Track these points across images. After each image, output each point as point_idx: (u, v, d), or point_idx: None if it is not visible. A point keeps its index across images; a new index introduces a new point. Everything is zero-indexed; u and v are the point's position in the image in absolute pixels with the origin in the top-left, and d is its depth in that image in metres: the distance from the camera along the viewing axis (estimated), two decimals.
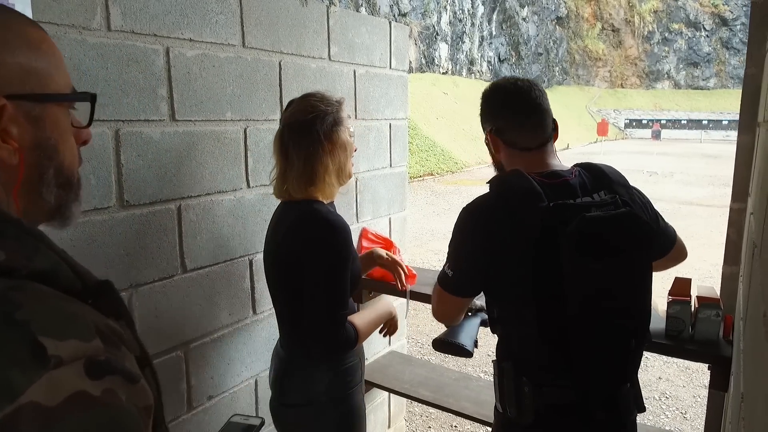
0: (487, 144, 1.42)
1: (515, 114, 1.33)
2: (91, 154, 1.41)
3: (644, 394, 3.82)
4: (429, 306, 1.67)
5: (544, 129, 1.32)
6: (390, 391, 2.41)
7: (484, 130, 1.41)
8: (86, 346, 0.45)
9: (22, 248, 0.50)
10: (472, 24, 37.84)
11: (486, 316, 1.57)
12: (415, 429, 3.28)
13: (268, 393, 1.66)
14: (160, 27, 1.53)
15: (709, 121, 42.72)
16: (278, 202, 1.59)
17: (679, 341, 1.65)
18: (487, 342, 3.86)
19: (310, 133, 1.46)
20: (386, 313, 1.77)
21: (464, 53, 37.03)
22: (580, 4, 49.58)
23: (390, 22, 2.47)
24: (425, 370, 2.51)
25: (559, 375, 1.22)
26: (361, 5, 26.59)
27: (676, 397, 3.77)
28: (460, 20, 36.39)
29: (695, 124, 42.88)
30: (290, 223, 1.48)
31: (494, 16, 40.45)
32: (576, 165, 1.34)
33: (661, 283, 1.40)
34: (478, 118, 1.42)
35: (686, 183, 15.58)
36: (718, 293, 1.78)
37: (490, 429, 2.89)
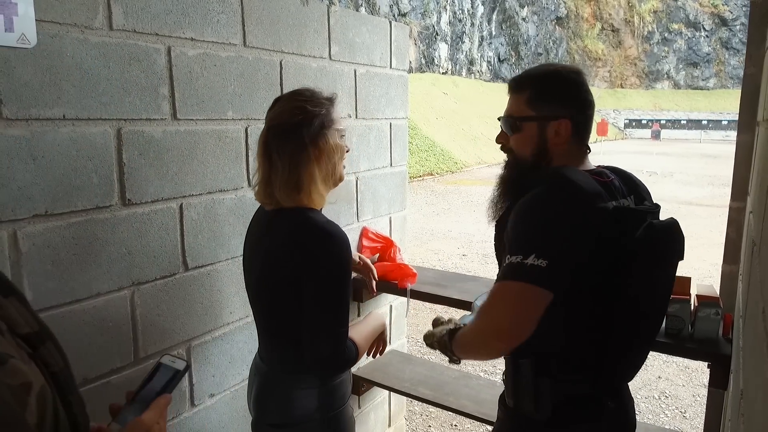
0: (536, 128, 1.27)
1: (592, 109, 1.30)
2: (93, 153, 1.41)
3: (644, 393, 3.86)
4: (430, 305, 1.65)
5: None
6: (390, 389, 2.42)
7: (542, 111, 1.26)
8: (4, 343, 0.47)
9: None
10: (472, 24, 37.85)
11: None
12: (415, 428, 3.29)
13: None
14: (162, 26, 1.54)
15: (708, 121, 42.72)
16: None
17: (679, 340, 1.66)
18: None
19: (295, 139, 1.34)
20: (380, 326, 1.65)
21: (464, 53, 37.03)
22: (580, 5, 49.60)
23: (390, 22, 2.47)
24: (425, 369, 2.52)
25: (578, 369, 1.25)
26: (361, 5, 26.59)
27: (676, 396, 3.78)
28: (460, 20, 36.39)
29: (695, 124, 42.88)
30: (285, 233, 1.37)
31: (494, 16, 40.46)
32: (600, 167, 1.36)
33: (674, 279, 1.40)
34: (523, 94, 1.28)
35: (686, 183, 15.59)
36: (718, 292, 1.79)
37: (490, 428, 2.89)
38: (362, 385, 2.44)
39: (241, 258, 1.89)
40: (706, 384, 3.70)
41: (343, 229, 1.39)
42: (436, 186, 15.80)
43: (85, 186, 1.41)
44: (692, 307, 1.69)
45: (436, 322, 1.48)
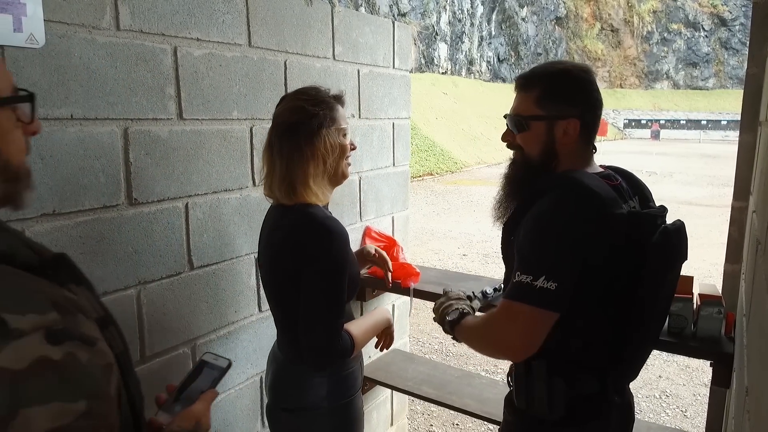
0: (543, 127, 1.25)
1: (601, 106, 1.28)
2: (100, 152, 1.42)
3: (645, 392, 3.86)
4: (430, 304, 1.65)
5: None
6: (393, 388, 2.43)
7: (551, 111, 1.25)
8: (44, 319, 0.51)
9: None
10: (472, 24, 37.86)
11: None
12: (417, 427, 3.30)
13: None
14: (168, 26, 1.55)
15: (707, 121, 42.76)
16: None
17: (682, 338, 1.66)
18: None
19: (291, 138, 1.38)
20: (383, 321, 1.68)
21: (463, 53, 37.04)
22: (579, 5, 49.62)
23: (393, 22, 2.48)
24: (428, 368, 2.52)
25: (589, 368, 1.26)
26: (361, 5, 26.59)
27: (677, 396, 3.79)
28: (460, 20, 36.41)
29: (694, 124, 42.93)
30: (287, 228, 1.41)
31: (493, 16, 40.48)
32: (603, 167, 1.36)
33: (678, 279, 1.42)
34: (533, 93, 1.26)
35: (685, 183, 15.61)
36: (720, 291, 1.80)
37: (492, 426, 2.90)
38: (365, 384, 2.45)
39: (247, 256, 1.90)
40: (707, 383, 3.72)
41: (347, 228, 1.42)
42: (436, 186, 15.81)
43: (92, 185, 1.41)
44: (695, 306, 1.70)
45: (446, 297, 1.51)
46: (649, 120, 44.15)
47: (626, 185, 1.32)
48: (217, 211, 1.77)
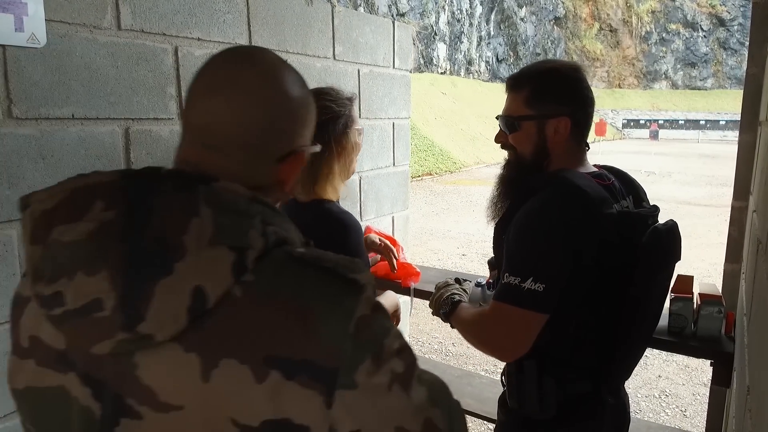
0: (534, 126, 1.26)
1: (592, 104, 1.28)
2: (102, 152, 1.42)
3: (644, 392, 3.87)
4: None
5: None
6: None
7: (542, 110, 1.25)
8: (369, 275, 0.66)
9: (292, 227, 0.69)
10: (471, 24, 37.87)
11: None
12: None
13: None
14: (169, 26, 1.55)
15: (706, 121, 42.81)
16: None
17: (682, 338, 1.67)
18: None
19: (321, 137, 1.39)
20: (392, 305, 1.72)
21: (462, 53, 37.06)
22: (578, 5, 49.66)
23: (394, 22, 2.48)
24: (427, 368, 2.51)
25: (581, 368, 1.26)
26: (360, 5, 26.60)
27: (676, 395, 3.79)
28: (459, 20, 36.42)
29: (693, 124, 42.97)
30: (305, 226, 1.44)
31: (492, 17, 40.50)
32: (597, 166, 1.36)
33: (671, 279, 1.43)
34: (523, 94, 1.27)
35: (684, 183, 15.63)
36: (720, 290, 1.80)
37: (491, 426, 2.90)
38: None
39: None
40: (707, 383, 3.72)
41: None
42: (435, 186, 15.82)
43: None
44: (695, 306, 1.70)
45: (436, 289, 1.53)
46: (647, 120, 44.21)
47: (619, 185, 1.32)
48: None
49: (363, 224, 2.42)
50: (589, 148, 1.34)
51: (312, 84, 1.60)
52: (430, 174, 18.33)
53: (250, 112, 0.68)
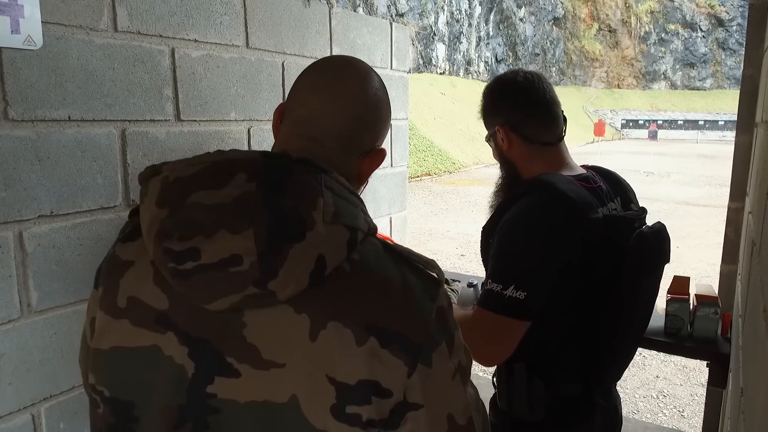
0: (492, 141, 1.35)
1: (533, 107, 1.29)
2: (98, 154, 1.42)
3: (642, 392, 3.88)
4: None
5: (559, 123, 1.31)
6: None
7: (489, 126, 1.35)
8: (443, 275, 0.73)
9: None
10: (470, 24, 37.88)
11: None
12: None
13: None
14: (166, 28, 1.55)
15: (705, 121, 42.85)
16: None
17: (678, 339, 1.67)
18: None
19: None
20: None
21: (461, 53, 37.07)
22: (577, 5, 49.67)
23: (391, 23, 2.49)
24: None
25: (570, 370, 1.26)
26: (359, 5, 26.60)
27: (674, 396, 3.80)
28: (458, 21, 36.43)
29: (691, 124, 43.02)
30: None
31: (491, 17, 40.51)
32: (586, 167, 1.36)
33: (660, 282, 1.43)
34: (478, 116, 1.39)
35: (683, 183, 15.65)
36: (717, 291, 1.81)
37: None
38: None
39: None
40: (704, 383, 3.73)
41: None
42: (434, 186, 15.83)
43: (90, 187, 1.41)
44: (691, 307, 1.71)
45: None
46: (646, 120, 44.24)
47: (607, 187, 1.31)
48: None
49: None
50: (558, 143, 1.31)
51: None
52: (429, 174, 18.33)
53: (348, 107, 0.79)
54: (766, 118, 1.35)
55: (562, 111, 1.34)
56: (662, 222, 1.28)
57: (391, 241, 2.40)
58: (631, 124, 44.79)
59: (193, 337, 0.66)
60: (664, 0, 50.41)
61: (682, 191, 13.99)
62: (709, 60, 50.46)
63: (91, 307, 0.76)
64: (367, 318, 0.64)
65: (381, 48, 2.41)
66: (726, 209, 2.07)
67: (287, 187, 0.65)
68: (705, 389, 2.77)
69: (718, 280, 2.24)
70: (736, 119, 1.99)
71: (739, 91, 1.95)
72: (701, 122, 42.85)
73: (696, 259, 7.16)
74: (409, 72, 2.64)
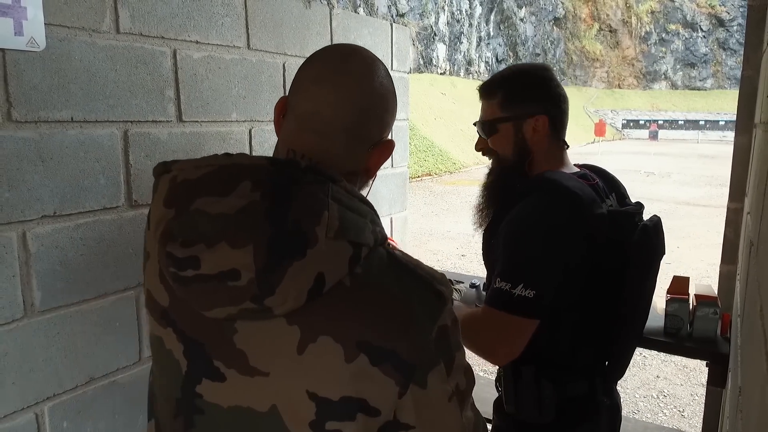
0: (512, 128, 1.26)
1: (566, 102, 1.28)
2: (101, 155, 1.43)
3: (642, 392, 3.88)
4: None
5: None
6: None
7: (513, 111, 1.26)
8: (451, 290, 0.72)
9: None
10: (470, 24, 37.89)
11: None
12: None
13: None
14: (168, 29, 1.56)
15: (705, 121, 42.83)
16: None
17: (678, 339, 1.68)
18: None
19: None
20: None
21: (462, 54, 37.07)
22: (578, 5, 49.67)
23: (392, 24, 2.49)
24: None
25: (577, 370, 1.26)
26: (359, 5, 26.61)
27: (674, 396, 3.80)
28: (458, 21, 36.43)
29: (692, 124, 43.00)
30: None
31: (492, 17, 40.51)
32: (578, 165, 1.37)
33: (660, 281, 1.44)
34: (494, 98, 1.28)
35: (683, 183, 15.64)
36: (716, 291, 1.81)
37: (490, 426, 2.91)
38: None
39: None
40: (704, 383, 3.73)
41: None
42: (435, 186, 15.83)
43: (93, 187, 1.42)
44: (691, 307, 1.71)
45: None
46: (647, 120, 44.22)
47: (602, 184, 1.32)
48: None
49: None
50: (568, 146, 1.34)
51: None
52: (430, 174, 18.34)
53: (353, 98, 0.76)
54: (764, 119, 1.36)
55: None
56: (658, 215, 1.29)
57: (395, 244, 2.39)
58: (631, 124, 44.77)
59: (187, 336, 0.67)
60: (664, 0, 50.39)
61: (683, 191, 13.99)
62: (710, 60, 50.45)
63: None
64: (361, 334, 0.63)
65: (381, 49, 2.42)
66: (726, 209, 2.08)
67: (292, 198, 0.63)
68: (705, 389, 2.77)
69: (717, 280, 2.25)
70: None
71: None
72: (702, 122, 42.83)
73: (696, 259, 7.16)
74: (410, 72, 2.64)
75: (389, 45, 2.47)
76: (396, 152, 2.60)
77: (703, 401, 2.71)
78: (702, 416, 2.18)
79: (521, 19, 43.93)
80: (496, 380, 1.40)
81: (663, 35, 51.16)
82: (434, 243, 8.47)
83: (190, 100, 1.64)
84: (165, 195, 0.67)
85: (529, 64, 1.33)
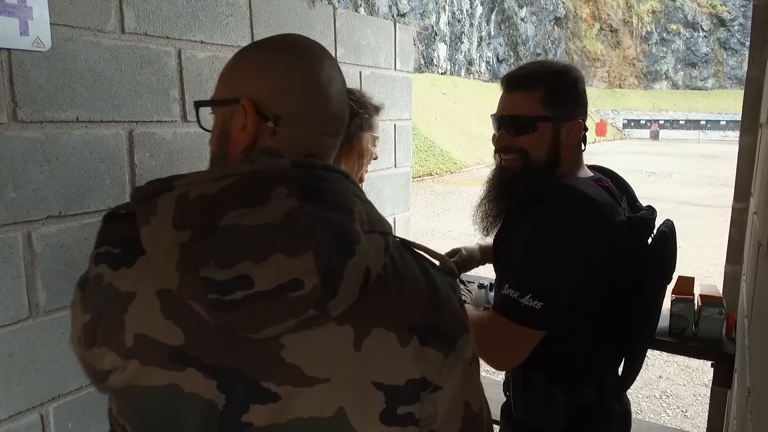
0: (549, 131, 1.17)
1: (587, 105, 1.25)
2: (106, 155, 1.43)
3: (645, 392, 3.88)
4: None
5: None
6: None
7: (557, 111, 1.17)
8: (453, 266, 0.75)
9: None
10: (471, 24, 37.87)
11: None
12: None
13: None
14: (173, 29, 1.55)
15: (706, 121, 42.78)
16: None
17: (683, 339, 1.68)
18: None
19: None
20: None
21: (463, 54, 37.05)
22: (579, 5, 49.64)
23: (395, 24, 2.49)
24: None
25: (588, 377, 1.24)
26: (360, 5, 26.60)
27: (677, 396, 3.80)
28: (459, 21, 36.41)
29: (693, 124, 42.95)
30: None
31: (493, 17, 40.49)
32: (590, 167, 1.34)
33: None
34: (539, 99, 1.17)
35: (684, 183, 15.62)
36: (721, 292, 1.81)
37: (497, 428, 2.91)
38: None
39: None
40: (707, 383, 3.72)
41: None
42: (436, 186, 15.82)
43: (98, 187, 1.42)
44: (696, 307, 1.71)
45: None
46: (648, 120, 44.18)
47: (613, 186, 1.29)
48: None
49: None
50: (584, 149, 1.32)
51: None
52: (431, 174, 18.33)
53: (343, 89, 0.77)
54: None
55: None
56: (671, 219, 1.27)
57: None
58: (632, 124, 44.73)
59: (220, 368, 0.61)
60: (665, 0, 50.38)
61: (684, 191, 13.98)
62: (711, 60, 50.41)
63: (77, 318, 0.67)
64: (407, 318, 0.66)
65: (385, 49, 2.42)
66: (727, 209, 2.07)
67: (326, 199, 0.62)
68: (708, 389, 2.76)
69: (720, 280, 2.24)
70: (737, 119, 1.99)
71: (740, 91, 1.95)
72: (703, 122, 42.78)
73: (698, 259, 7.15)
74: (411, 72, 2.64)
75: (392, 45, 2.47)
76: (399, 152, 2.60)
77: (706, 401, 2.71)
78: (705, 417, 2.18)
79: (522, 19, 43.91)
80: (504, 385, 1.38)
81: (664, 35, 51.12)
82: (436, 243, 8.47)
83: (195, 99, 1.64)
84: (173, 216, 0.60)
85: (564, 63, 1.24)
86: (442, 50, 34.49)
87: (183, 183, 0.62)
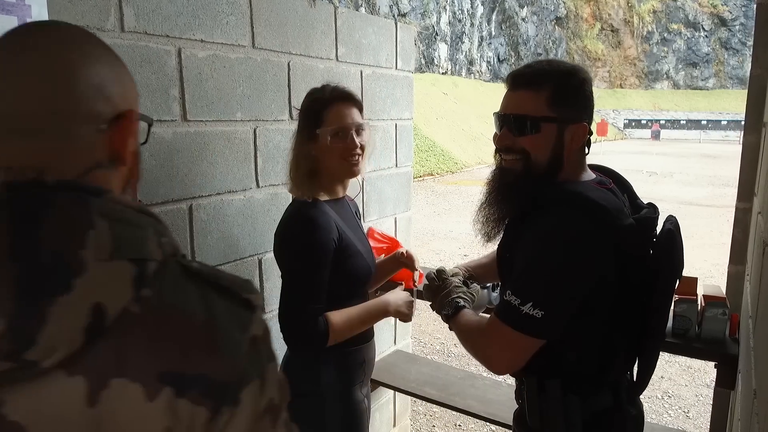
0: (553, 133, 1.14)
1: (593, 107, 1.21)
2: None
3: (647, 393, 3.85)
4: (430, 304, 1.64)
5: None
6: (396, 389, 2.42)
7: (567, 115, 1.14)
8: (260, 297, 0.66)
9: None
10: (472, 24, 37.85)
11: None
12: (419, 428, 3.29)
13: None
14: (173, 28, 1.55)
15: (708, 121, 42.72)
16: (287, 201, 1.61)
17: (686, 340, 1.66)
18: None
19: (296, 135, 1.52)
20: (375, 309, 1.61)
21: (463, 53, 37.04)
22: (579, 5, 49.61)
23: (396, 23, 2.48)
24: (430, 369, 2.52)
25: (603, 383, 1.22)
26: (361, 5, 26.60)
27: (679, 396, 3.78)
28: (460, 20, 36.40)
29: (694, 124, 42.89)
30: (281, 221, 1.53)
31: (493, 17, 40.47)
32: (591, 167, 1.33)
33: None
34: (545, 100, 1.14)
35: (686, 183, 15.60)
36: (724, 292, 1.80)
37: (495, 427, 2.89)
38: None
39: (250, 258, 1.90)
40: (709, 384, 3.71)
41: None
42: (437, 186, 15.81)
43: None
44: (699, 308, 1.70)
45: (443, 283, 1.43)
46: (649, 120, 44.14)
47: (615, 185, 1.27)
48: (221, 212, 1.76)
49: (365, 226, 2.42)
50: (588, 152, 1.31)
51: (316, 86, 1.60)
52: (432, 174, 18.32)
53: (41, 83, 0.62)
54: None
55: None
56: (674, 216, 1.24)
57: (393, 241, 2.36)
58: (633, 123, 44.69)
59: None
60: None
61: (685, 191, 13.96)
62: (712, 60, 50.36)
63: None
64: (161, 365, 0.55)
65: (386, 48, 2.41)
66: (729, 209, 2.07)
67: (43, 224, 0.53)
68: (711, 390, 2.75)
69: (722, 279, 2.23)
70: (738, 119, 1.99)
71: (741, 91, 1.96)
72: (704, 122, 42.71)
73: (700, 259, 7.14)
74: (412, 72, 2.63)
75: (393, 44, 2.46)
76: (400, 152, 2.59)
77: (708, 402, 2.70)
78: (707, 417, 2.16)
79: (523, 19, 43.89)
80: (516, 392, 1.35)
81: (665, 35, 51.08)
82: (436, 243, 8.46)
83: (195, 99, 1.63)
84: None
85: (572, 63, 1.20)
86: (442, 50, 34.49)
87: None
